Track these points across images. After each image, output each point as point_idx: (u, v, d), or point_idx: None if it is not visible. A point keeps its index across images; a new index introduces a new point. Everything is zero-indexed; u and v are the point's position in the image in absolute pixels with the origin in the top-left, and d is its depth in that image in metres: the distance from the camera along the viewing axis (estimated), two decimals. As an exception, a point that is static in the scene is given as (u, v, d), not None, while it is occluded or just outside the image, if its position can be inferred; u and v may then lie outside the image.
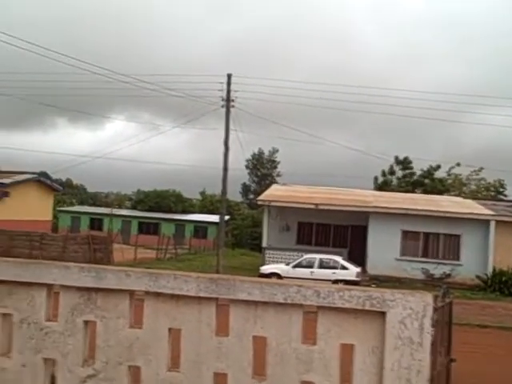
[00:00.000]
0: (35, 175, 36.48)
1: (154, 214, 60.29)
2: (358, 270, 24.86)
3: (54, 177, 46.29)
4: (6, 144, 76.83)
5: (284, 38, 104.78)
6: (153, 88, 31.69)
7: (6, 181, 32.37)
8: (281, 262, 27.89)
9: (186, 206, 67.01)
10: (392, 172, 58.07)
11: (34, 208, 34.25)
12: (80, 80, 31.12)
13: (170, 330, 3.32)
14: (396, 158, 57.48)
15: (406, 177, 57.70)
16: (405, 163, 57.49)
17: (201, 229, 58.11)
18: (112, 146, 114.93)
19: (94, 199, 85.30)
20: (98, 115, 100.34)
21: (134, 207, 67.58)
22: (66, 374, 3.37)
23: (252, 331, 3.21)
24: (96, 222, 58.23)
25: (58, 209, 57.40)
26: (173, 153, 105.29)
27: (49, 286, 3.43)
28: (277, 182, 50.24)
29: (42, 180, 36.91)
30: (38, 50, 39.24)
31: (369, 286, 23.17)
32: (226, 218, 42.70)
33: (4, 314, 3.46)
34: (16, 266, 3.42)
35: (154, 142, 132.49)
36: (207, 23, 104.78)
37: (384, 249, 29.58)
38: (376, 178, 58.31)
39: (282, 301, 3.12)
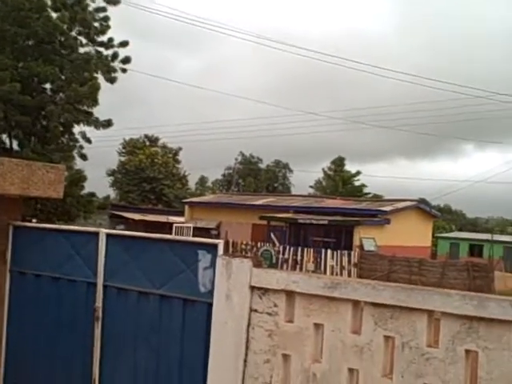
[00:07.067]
0: (414, 202, 37.54)
1: (540, 241, 55.66)
2: None
3: (433, 203, 46.75)
4: (396, 173, 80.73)
5: None
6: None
7: (387, 208, 34.15)
8: None
9: None
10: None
11: (414, 234, 35.01)
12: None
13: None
14: None
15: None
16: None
17: None
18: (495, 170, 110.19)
19: (474, 225, 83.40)
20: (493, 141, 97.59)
21: (516, 233, 63.98)
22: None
23: None
24: (475, 249, 56.49)
25: (437, 235, 57.62)
26: None
27: (429, 313, 3.48)
28: None
29: (421, 207, 37.74)
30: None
31: None
32: None
33: (386, 337, 3.64)
34: (398, 292, 3.57)
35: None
36: None
37: None
38: None
39: None
